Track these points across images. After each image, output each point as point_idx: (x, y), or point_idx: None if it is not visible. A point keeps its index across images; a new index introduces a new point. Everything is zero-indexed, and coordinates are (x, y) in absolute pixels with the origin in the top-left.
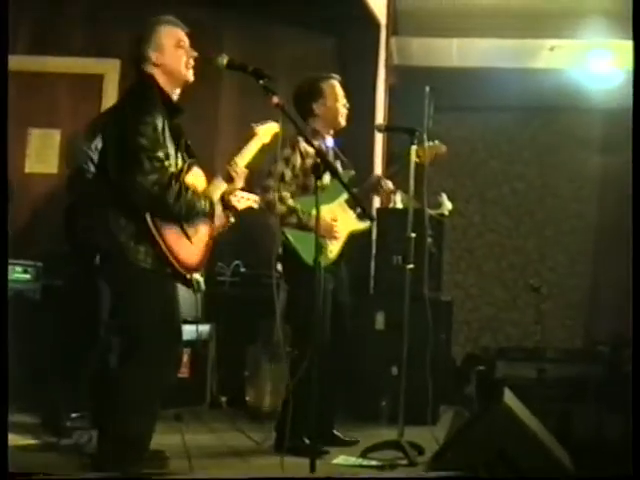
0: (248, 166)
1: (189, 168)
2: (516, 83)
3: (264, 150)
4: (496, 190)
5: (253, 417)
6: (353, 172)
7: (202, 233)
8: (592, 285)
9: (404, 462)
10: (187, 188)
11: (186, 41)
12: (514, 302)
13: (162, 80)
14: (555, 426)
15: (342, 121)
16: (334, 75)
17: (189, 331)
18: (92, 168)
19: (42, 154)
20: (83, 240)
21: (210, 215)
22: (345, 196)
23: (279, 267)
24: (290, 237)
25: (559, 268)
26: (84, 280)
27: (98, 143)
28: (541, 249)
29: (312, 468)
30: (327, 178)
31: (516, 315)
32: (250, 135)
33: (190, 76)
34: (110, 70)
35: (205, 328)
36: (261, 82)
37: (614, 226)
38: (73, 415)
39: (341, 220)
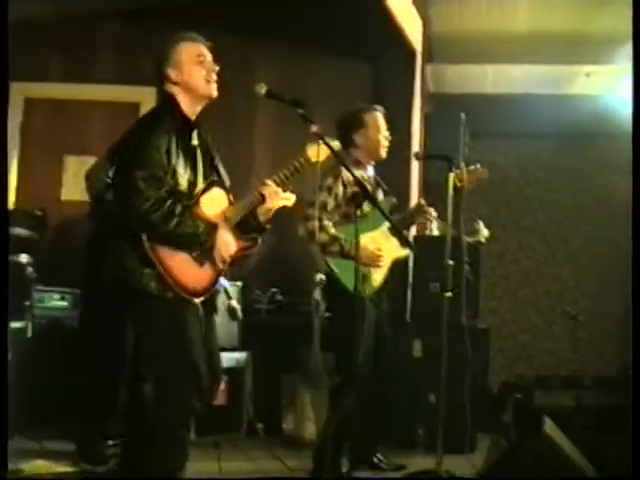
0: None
1: (208, 188)
2: (551, 109)
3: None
4: (531, 217)
5: (290, 445)
6: (394, 200)
7: (217, 256)
8: (627, 312)
9: None
10: (185, 210)
11: (207, 55)
12: (550, 329)
13: (182, 98)
14: (591, 455)
15: (383, 153)
16: (377, 107)
17: (227, 358)
18: (109, 196)
19: (77, 181)
20: (98, 268)
21: (208, 247)
22: (387, 224)
23: (317, 295)
24: (333, 266)
25: (594, 295)
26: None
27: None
28: (577, 276)
29: None
30: (368, 206)
31: (551, 343)
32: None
33: (212, 91)
34: (146, 98)
35: (242, 356)
36: (300, 111)
37: None
38: (110, 442)
39: (384, 248)
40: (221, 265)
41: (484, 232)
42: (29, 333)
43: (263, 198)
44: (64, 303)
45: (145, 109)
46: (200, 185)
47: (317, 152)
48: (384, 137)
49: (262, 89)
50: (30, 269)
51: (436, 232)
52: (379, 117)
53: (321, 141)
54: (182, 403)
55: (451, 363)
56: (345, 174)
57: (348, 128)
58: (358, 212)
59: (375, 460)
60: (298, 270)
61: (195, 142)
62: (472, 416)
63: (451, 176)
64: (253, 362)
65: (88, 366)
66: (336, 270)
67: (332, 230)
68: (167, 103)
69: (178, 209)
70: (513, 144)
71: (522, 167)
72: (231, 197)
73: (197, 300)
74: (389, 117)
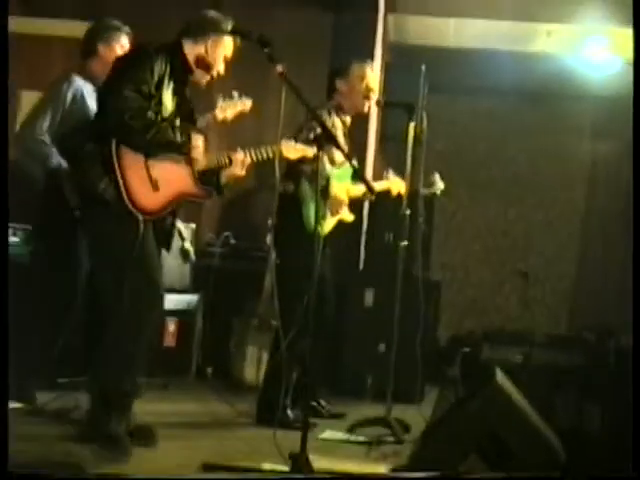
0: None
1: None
2: (511, 66)
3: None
4: (485, 173)
5: (237, 389)
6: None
7: (172, 183)
8: (579, 272)
9: (391, 439)
10: (165, 122)
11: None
12: (500, 286)
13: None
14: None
15: (365, 106)
16: (367, 60)
17: (178, 300)
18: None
19: None
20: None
21: (185, 151)
22: (348, 183)
23: (269, 240)
24: (306, 196)
25: (547, 254)
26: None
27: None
28: (529, 234)
29: (303, 444)
30: (340, 157)
31: (501, 300)
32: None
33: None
34: None
35: (193, 298)
36: (265, 50)
37: (602, 213)
38: (60, 380)
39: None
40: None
41: (440, 184)
42: None
43: (230, 163)
44: (15, 239)
45: None
46: (177, 124)
47: (290, 150)
48: (368, 89)
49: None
50: None
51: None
52: (367, 69)
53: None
54: (143, 316)
55: (402, 314)
56: (325, 118)
57: (334, 75)
58: (336, 157)
59: (314, 404)
60: (252, 215)
61: (186, 86)
62: (421, 367)
63: (411, 125)
64: (204, 305)
65: (38, 304)
66: (306, 201)
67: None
68: (175, 47)
69: (159, 119)
70: (471, 99)
71: (479, 123)
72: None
73: (186, 245)
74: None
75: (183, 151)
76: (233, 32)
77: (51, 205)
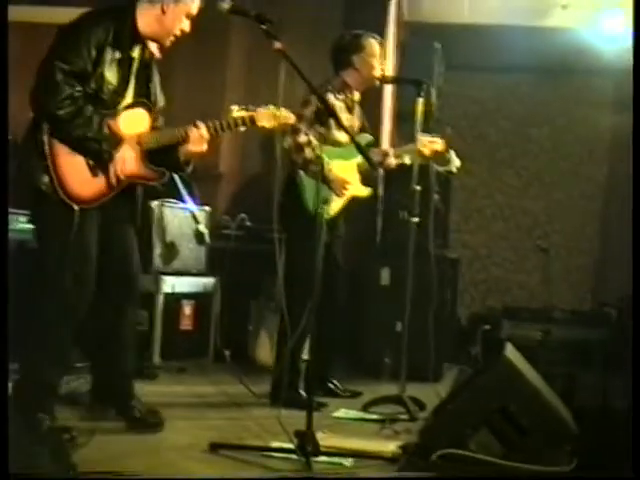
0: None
1: (133, 106)
2: (528, 42)
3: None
4: (506, 151)
5: (256, 371)
6: (371, 137)
7: (113, 168)
8: (600, 248)
9: (405, 417)
10: (94, 115)
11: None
12: (522, 263)
13: (145, 21)
14: (559, 389)
15: (376, 80)
16: (375, 35)
17: (194, 283)
18: None
19: None
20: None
21: (106, 158)
22: (358, 159)
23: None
24: (304, 182)
25: (568, 231)
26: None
27: None
28: (550, 211)
29: (309, 422)
30: (344, 137)
31: (524, 276)
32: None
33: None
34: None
35: (210, 281)
36: (263, 27)
37: (624, 189)
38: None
39: (351, 181)
40: (114, 180)
41: (456, 162)
42: None
43: (187, 138)
44: (28, 225)
45: None
46: (127, 100)
47: (266, 117)
48: (380, 63)
49: (226, 5)
50: None
51: (408, 161)
52: (375, 44)
53: (284, 58)
54: (65, 307)
55: (418, 292)
56: (329, 95)
57: (347, 50)
58: (338, 137)
59: (330, 386)
60: (268, 196)
61: (135, 55)
62: (440, 346)
63: (420, 101)
64: (221, 288)
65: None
66: (304, 187)
67: (318, 150)
68: (124, 12)
69: (88, 111)
70: (489, 76)
71: (498, 100)
72: (157, 124)
73: (77, 207)
74: None
75: (102, 156)
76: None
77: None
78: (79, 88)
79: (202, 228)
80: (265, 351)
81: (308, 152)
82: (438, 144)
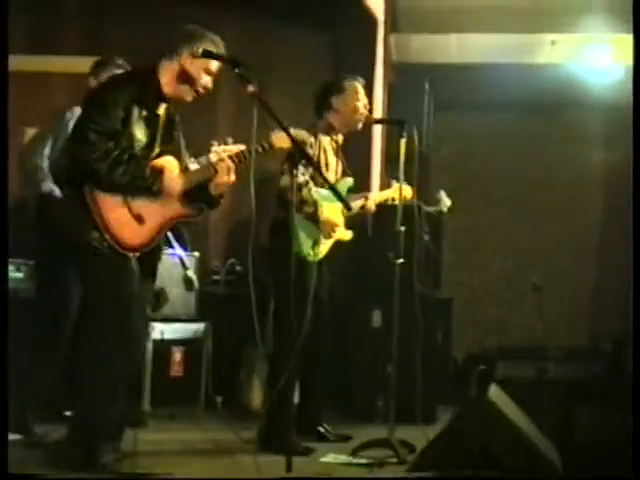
0: None
1: (162, 154)
2: (517, 79)
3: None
4: (501, 189)
5: (248, 417)
6: (350, 180)
7: (156, 212)
8: (596, 283)
9: (394, 460)
10: (132, 159)
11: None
12: (520, 303)
13: (169, 81)
14: (558, 426)
15: (359, 123)
16: (359, 78)
17: (184, 329)
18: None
19: None
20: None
21: (156, 190)
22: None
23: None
24: (296, 224)
25: (565, 266)
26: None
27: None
28: (547, 247)
29: (288, 467)
30: (332, 178)
31: (522, 317)
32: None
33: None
34: None
35: (200, 327)
36: (236, 70)
37: (618, 223)
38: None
39: (338, 223)
40: (158, 224)
41: (446, 201)
42: None
43: (216, 172)
44: (19, 274)
45: None
46: (156, 151)
47: (282, 139)
48: (363, 106)
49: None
50: None
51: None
52: (359, 86)
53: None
54: (121, 351)
55: (407, 333)
56: (322, 139)
57: (327, 92)
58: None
59: (321, 430)
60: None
61: (161, 112)
62: (434, 388)
63: (402, 141)
64: (212, 333)
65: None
66: (296, 229)
67: (313, 190)
68: (149, 74)
69: (125, 157)
70: (479, 115)
71: (489, 138)
72: (184, 167)
73: (131, 254)
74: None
75: (152, 189)
76: (204, 54)
77: (43, 235)
78: (112, 144)
79: (190, 274)
80: (257, 396)
81: (305, 193)
82: (407, 191)
